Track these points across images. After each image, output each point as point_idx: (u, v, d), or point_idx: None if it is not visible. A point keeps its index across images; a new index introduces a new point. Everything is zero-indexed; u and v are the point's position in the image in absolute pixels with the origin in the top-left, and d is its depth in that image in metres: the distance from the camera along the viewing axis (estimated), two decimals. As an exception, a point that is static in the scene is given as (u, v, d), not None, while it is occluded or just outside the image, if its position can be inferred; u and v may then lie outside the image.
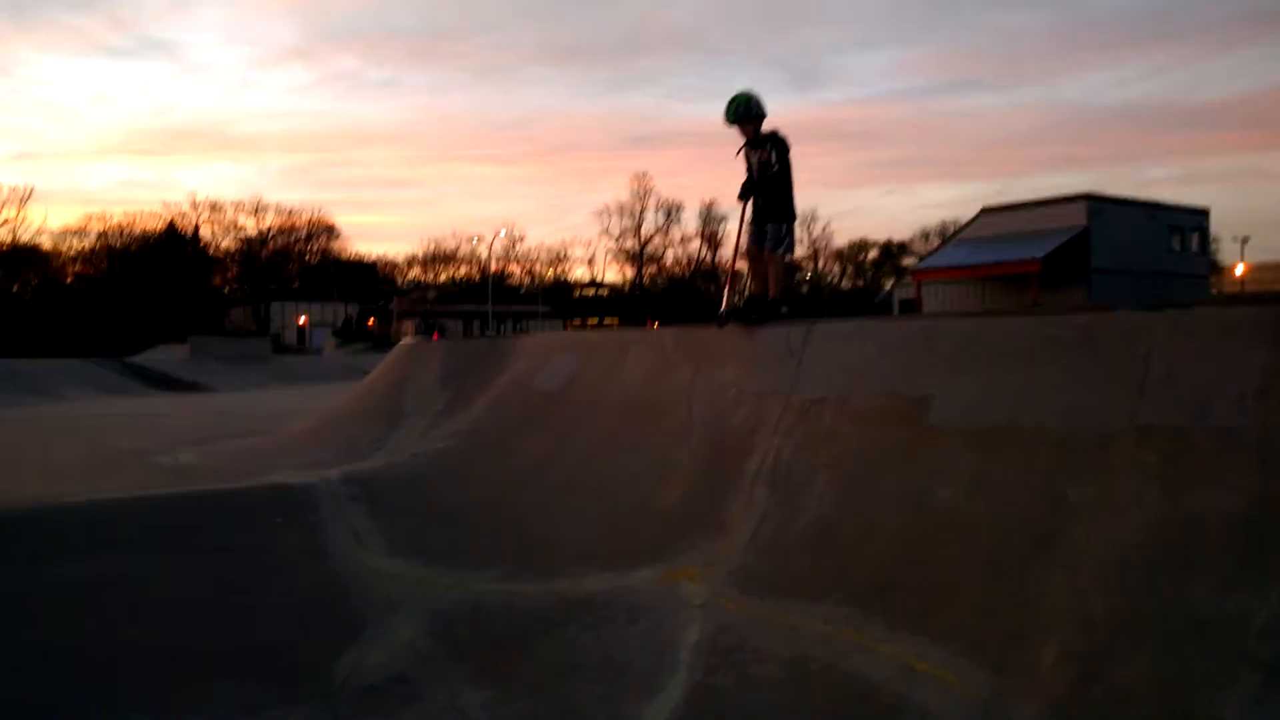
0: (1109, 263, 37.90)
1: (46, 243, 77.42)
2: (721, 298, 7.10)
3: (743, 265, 7.75)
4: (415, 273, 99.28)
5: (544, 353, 8.31)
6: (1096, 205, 38.98)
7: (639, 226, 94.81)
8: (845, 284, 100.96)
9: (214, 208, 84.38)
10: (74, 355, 33.95)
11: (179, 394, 24.92)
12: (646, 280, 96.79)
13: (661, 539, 5.89)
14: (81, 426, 13.45)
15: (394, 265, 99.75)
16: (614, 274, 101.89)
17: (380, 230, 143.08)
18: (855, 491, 5.26)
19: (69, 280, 79.99)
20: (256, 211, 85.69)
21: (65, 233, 78.92)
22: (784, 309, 7.28)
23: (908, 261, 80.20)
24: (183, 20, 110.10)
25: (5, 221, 72.44)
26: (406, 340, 10.49)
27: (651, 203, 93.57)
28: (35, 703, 4.52)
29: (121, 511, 6.19)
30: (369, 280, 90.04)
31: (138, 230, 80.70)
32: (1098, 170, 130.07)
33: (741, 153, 7.47)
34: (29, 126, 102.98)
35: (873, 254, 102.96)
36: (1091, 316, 4.83)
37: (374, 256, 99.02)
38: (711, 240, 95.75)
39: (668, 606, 5.35)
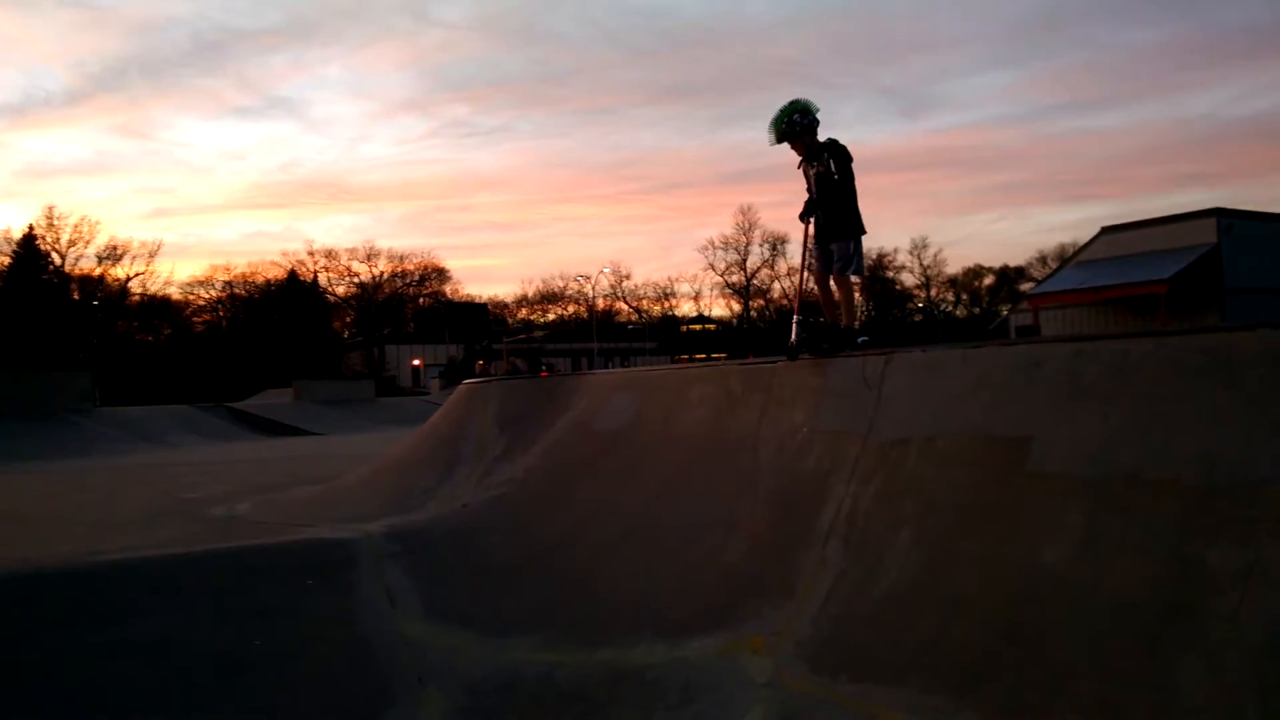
0: (1245, 282, 35.32)
1: (176, 294, 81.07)
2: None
3: (814, 291, 7.03)
4: (524, 313, 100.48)
5: (606, 392, 7.69)
6: (1228, 220, 36.45)
7: (744, 260, 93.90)
8: (960, 312, 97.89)
9: (329, 255, 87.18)
10: (203, 400, 35.01)
11: (279, 438, 25.21)
12: (754, 314, 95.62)
13: (723, 602, 5.18)
14: (161, 475, 13.40)
15: (504, 306, 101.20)
16: (721, 308, 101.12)
17: (492, 272, 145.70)
18: (944, 551, 4.47)
19: (199, 329, 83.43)
20: (369, 258, 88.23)
21: (193, 283, 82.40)
22: (862, 338, 6.52)
23: (1025, 287, 77.21)
24: (305, 80, 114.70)
25: (137, 275, 76.25)
26: (468, 381, 10.02)
27: (756, 236, 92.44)
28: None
29: (150, 571, 5.78)
30: (480, 321, 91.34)
31: (260, 280, 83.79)
32: (1227, 187, 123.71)
33: (800, 168, 6.78)
34: (166, 185, 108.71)
35: (988, 280, 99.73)
36: (1223, 338, 3.96)
37: (485, 298, 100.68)
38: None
39: (726, 685, 4.64)
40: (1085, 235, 46.21)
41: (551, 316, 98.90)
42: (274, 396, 36.45)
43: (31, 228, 71.31)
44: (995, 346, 5.20)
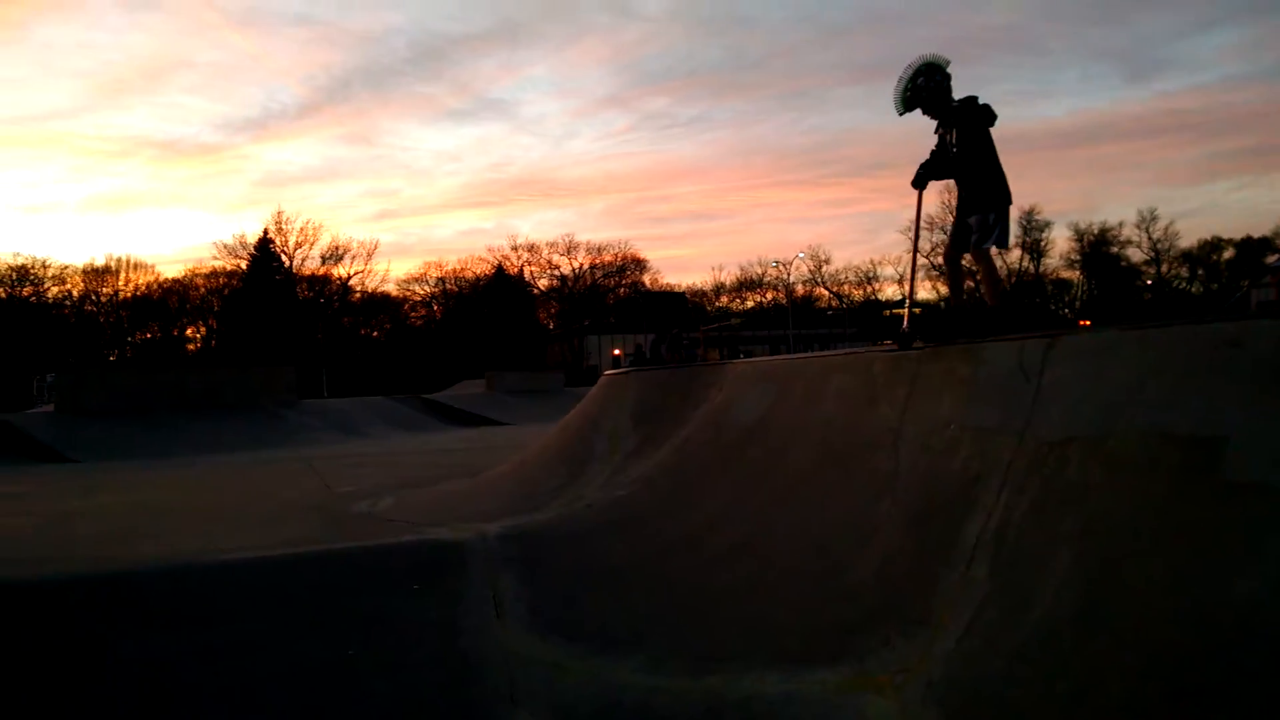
0: None
1: (394, 290, 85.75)
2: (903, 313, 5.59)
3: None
4: (724, 300, 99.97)
5: (743, 382, 7.04)
6: None
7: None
8: (1195, 288, 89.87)
9: (531, 249, 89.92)
10: (417, 391, 36.62)
11: (467, 428, 25.80)
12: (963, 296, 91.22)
13: (848, 628, 4.50)
14: (331, 466, 13.70)
15: (702, 294, 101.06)
16: (928, 291, 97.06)
17: (692, 261, 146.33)
18: (1109, 578, 3.65)
19: (417, 324, 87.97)
20: (568, 251, 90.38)
21: (409, 280, 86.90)
22: (1009, 319, 5.71)
23: (1271, 259, 69.77)
24: (514, 81, 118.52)
25: (356, 274, 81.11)
26: (609, 372, 9.60)
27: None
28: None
29: (255, 573, 5.64)
30: (678, 310, 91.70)
31: (469, 275, 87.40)
32: None
33: (938, 134, 5.99)
34: (389, 188, 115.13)
35: (1228, 254, 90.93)
36: None
37: (683, 287, 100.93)
38: (1034, 249, 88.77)
39: (844, 728, 3.97)
40: (1342, 200, 41.12)
41: (750, 304, 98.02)
42: (469, 387, 37.56)
43: (266, 232, 77.15)
44: (1185, 328, 4.24)
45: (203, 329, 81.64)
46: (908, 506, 4.86)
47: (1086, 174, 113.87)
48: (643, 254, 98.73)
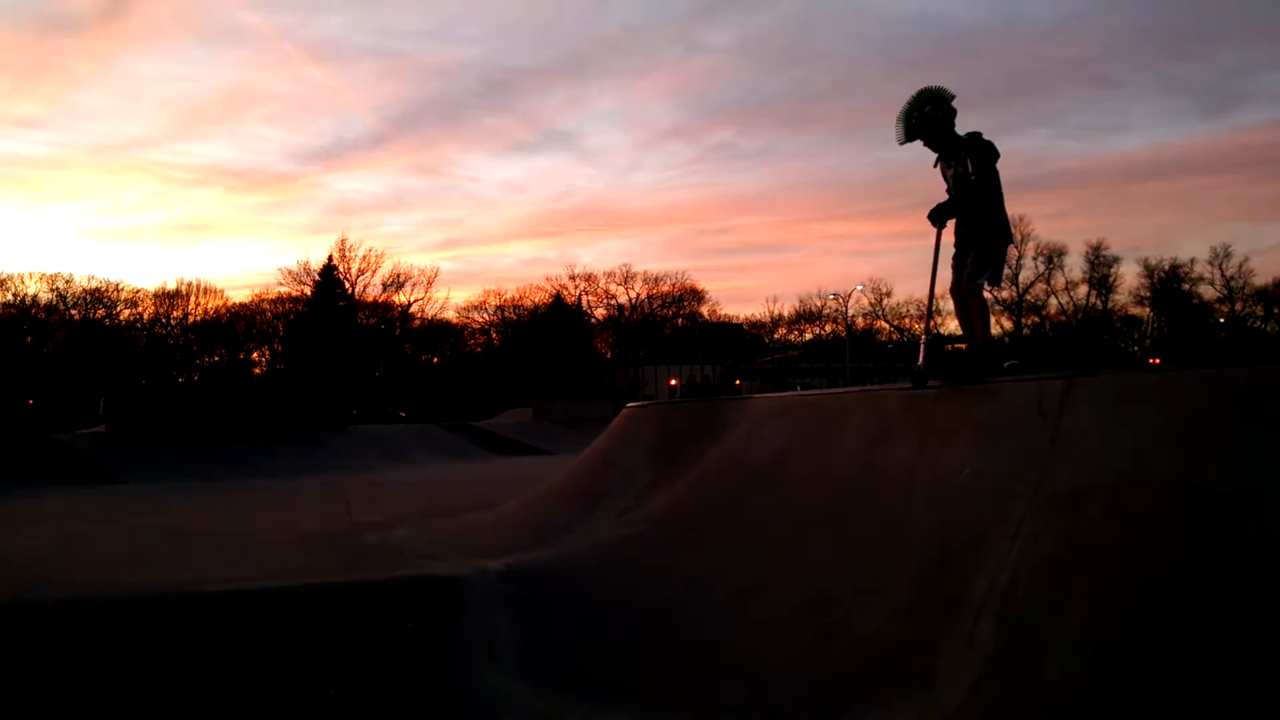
0: None
1: (454, 317, 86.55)
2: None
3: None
4: (781, 332, 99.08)
5: (759, 419, 6.77)
6: None
7: (1016, 274, 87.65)
8: (1270, 327, 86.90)
9: (589, 279, 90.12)
10: (471, 418, 36.77)
11: (509, 457, 25.72)
12: (1026, 331, 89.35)
13: (848, 685, 4.21)
14: (362, 493, 13.64)
15: (761, 326, 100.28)
16: (991, 326, 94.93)
17: (753, 293, 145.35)
18: (1123, 645, 3.34)
19: (476, 351, 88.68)
20: (625, 281, 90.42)
21: (469, 308, 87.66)
22: (1010, 361, 5.49)
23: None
24: (580, 113, 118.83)
25: (415, 301, 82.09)
26: (630, 405, 9.36)
27: (1030, 249, 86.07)
28: None
29: (244, 606, 5.51)
30: (736, 341, 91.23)
31: (528, 303, 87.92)
32: None
33: (937, 167, 5.78)
34: (455, 217, 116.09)
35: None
36: None
37: (742, 318, 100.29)
38: (1101, 285, 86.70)
39: (833, 795, 3.69)
40: None
41: (809, 336, 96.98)
42: (516, 415, 37.54)
43: (330, 258, 78.53)
44: (1214, 373, 3.92)
45: (268, 353, 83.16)
46: (916, 557, 4.56)
47: (1160, 209, 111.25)
48: (702, 285, 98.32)
